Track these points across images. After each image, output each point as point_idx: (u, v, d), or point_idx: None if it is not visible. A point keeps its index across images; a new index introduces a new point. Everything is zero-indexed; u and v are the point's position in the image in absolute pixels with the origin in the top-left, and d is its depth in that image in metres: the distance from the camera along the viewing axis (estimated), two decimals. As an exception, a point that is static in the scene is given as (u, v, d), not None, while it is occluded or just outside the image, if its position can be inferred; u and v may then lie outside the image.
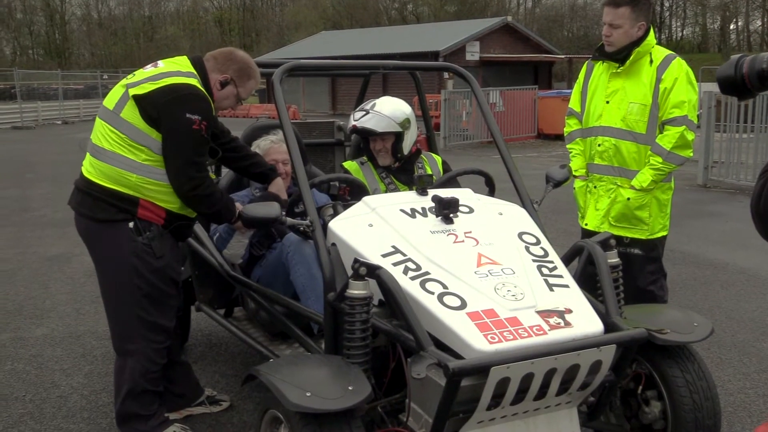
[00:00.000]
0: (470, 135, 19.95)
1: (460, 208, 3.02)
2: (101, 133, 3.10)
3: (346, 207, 3.22)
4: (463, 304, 2.49)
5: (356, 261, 2.51)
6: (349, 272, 2.61)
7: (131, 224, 3.09)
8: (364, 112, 3.97)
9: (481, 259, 2.74)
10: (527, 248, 2.89)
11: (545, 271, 2.76)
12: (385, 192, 3.91)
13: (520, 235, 2.98)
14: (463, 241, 2.85)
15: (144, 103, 3.02)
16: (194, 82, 3.10)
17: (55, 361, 4.61)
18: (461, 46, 34.50)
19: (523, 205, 3.28)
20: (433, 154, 4.33)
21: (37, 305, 5.81)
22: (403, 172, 4.03)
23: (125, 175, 3.04)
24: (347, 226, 2.97)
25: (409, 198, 3.17)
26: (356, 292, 2.50)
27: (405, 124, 3.99)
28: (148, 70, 3.14)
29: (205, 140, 3.07)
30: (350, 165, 4.11)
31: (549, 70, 37.74)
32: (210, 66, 3.21)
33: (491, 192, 3.70)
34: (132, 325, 3.15)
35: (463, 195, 3.18)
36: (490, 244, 2.85)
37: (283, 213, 2.99)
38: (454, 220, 2.96)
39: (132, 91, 3.05)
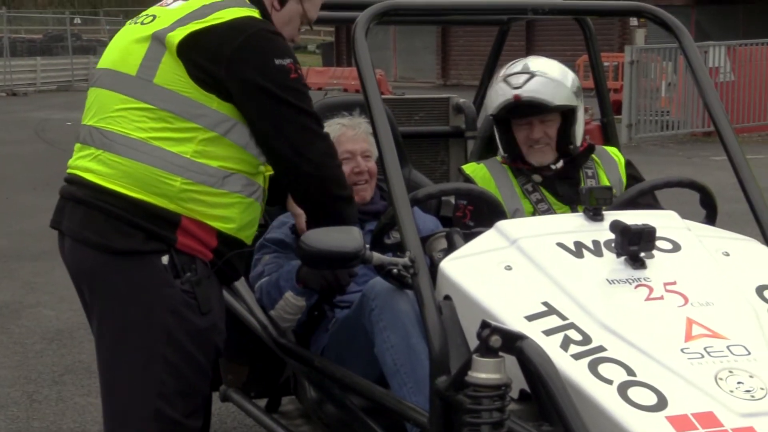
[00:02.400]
0: (673, 122, 19.65)
1: (659, 244, 3.03)
2: (120, 114, 3.19)
3: (468, 238, 3.28)
4: (662, 403, 2.52)
5: (485, 325, 2.56)
6: (473, 344, 2.66)
7: (165, 259, 3.16)
8: (528, 75, 4.00)
9: (693, 329, 2.76)
10: (773, 313, 2.90)
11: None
12: (533, 214, 3.94)
13: (760, 290, 2.98)
14: (661, 298, 2.88)
15: (194, 53, 3.12)
16: (256, 13, 3.24)
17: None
18: (660, -26, 34.06)
19: (767, 241, 3.27)
20: (611, 150, 4.35)
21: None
22: (563, 181, 4.07)
23: (167, 179, 3.12)
24: (471, 268, 3.03)
25: (572, 224, 3.21)
26: (484, 375, 2.54)
27: (579, 94, 4.06)
28: (177, 6, 3.24)
29: (308, 89, 3.26)
30: (475, 169, 4.16)
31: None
32: None
33: (711, 218, 3.69)
34: (144, 424, 3.22)
35: (664, 222, 3.20)
36: (709, 305, 2.87)
37: (367, 246, 3.08)
38: (648, 262, 2.99)
39: (171, 38, 3.13)
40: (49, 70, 34.97)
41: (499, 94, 4.06)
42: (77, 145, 3.32)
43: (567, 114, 4.03)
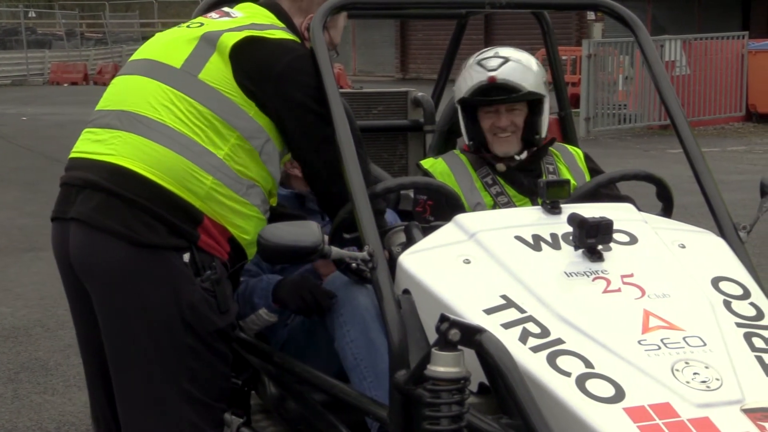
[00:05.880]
0: (630, 115, 19.75)
1: (616, 236, 3.05)
2: (160, 102, 3.19)
3: (426, 232, 3.29)
4: (620, 395, 2.54)
5: (444, 319, 2.57)
6: (432, 338, 2.67)
7: (186, 256, 3.14)
8: (502, 59, 4.03)
9: (650, 321, 2.78)
10: (728, 304, 2.92)
11: (759, 342, 2.78)
12: (493, 207, 3.96)
13: (715, 281, 3.01)
14: (618, 290, 2.90)
15: (244, 59, 3.22)
16: (297, 39, 3.39)
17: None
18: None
19: (722, 233, 3.30)
20: (570, 147, 4.37)
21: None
22: (526, 173, 4.07)
23: (199, 175, 3.14)
24: (429, 262, 3.04)
25: (530, 218, 3.23)
26: (443, 369, 2.54)
27: (546, 86, 4.12)
28: (226, 19, 3.37)
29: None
30: (434, 164, 4.17)
31: (768, 6, 37.11)
32: (287, 6, 3.47)
33: (667, 210, 3.72)
34: (177, 408, 3.16)
35: (621, 215, 3.22)
36: (665, 297, 2.89)
37: (326, 239, 3.08)
38: (605, 255, 3.01)
39: (225, 38, 3.23)
40: (3, 65, 34.70)
41: (472, 76, 4.06)
42: (91, 131, 3.29)
43: (534, 104, 4.07)
